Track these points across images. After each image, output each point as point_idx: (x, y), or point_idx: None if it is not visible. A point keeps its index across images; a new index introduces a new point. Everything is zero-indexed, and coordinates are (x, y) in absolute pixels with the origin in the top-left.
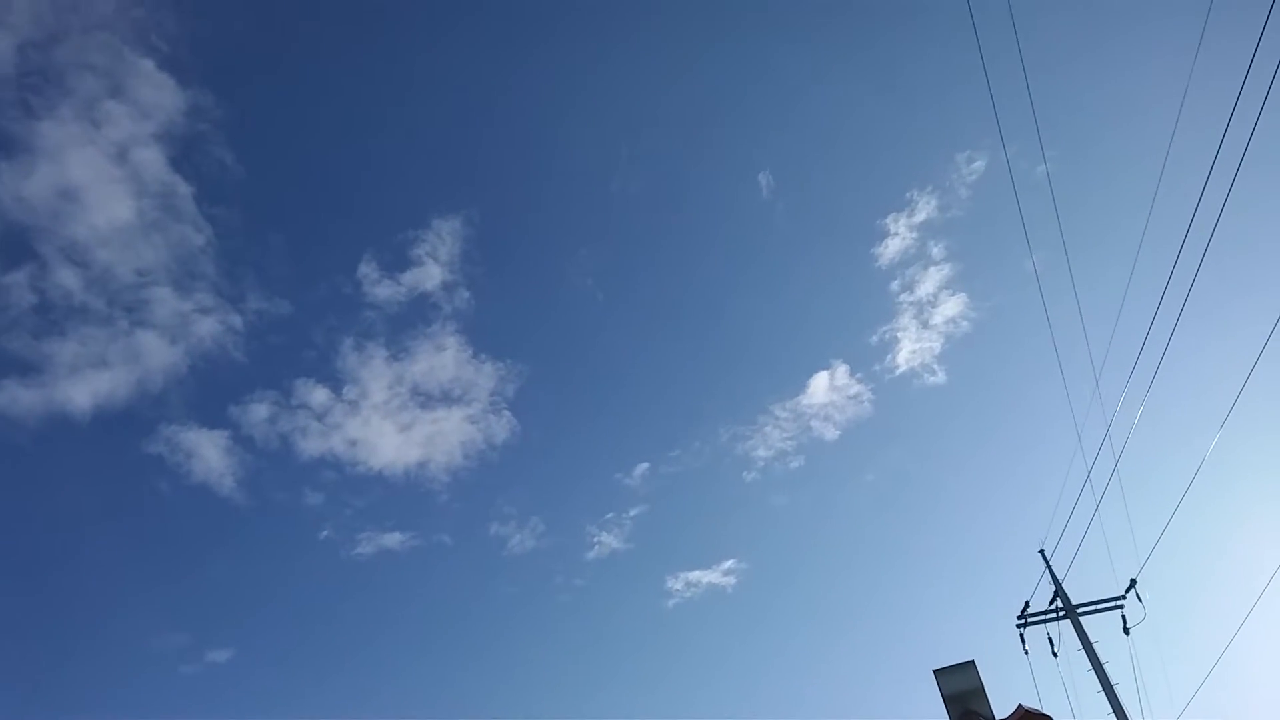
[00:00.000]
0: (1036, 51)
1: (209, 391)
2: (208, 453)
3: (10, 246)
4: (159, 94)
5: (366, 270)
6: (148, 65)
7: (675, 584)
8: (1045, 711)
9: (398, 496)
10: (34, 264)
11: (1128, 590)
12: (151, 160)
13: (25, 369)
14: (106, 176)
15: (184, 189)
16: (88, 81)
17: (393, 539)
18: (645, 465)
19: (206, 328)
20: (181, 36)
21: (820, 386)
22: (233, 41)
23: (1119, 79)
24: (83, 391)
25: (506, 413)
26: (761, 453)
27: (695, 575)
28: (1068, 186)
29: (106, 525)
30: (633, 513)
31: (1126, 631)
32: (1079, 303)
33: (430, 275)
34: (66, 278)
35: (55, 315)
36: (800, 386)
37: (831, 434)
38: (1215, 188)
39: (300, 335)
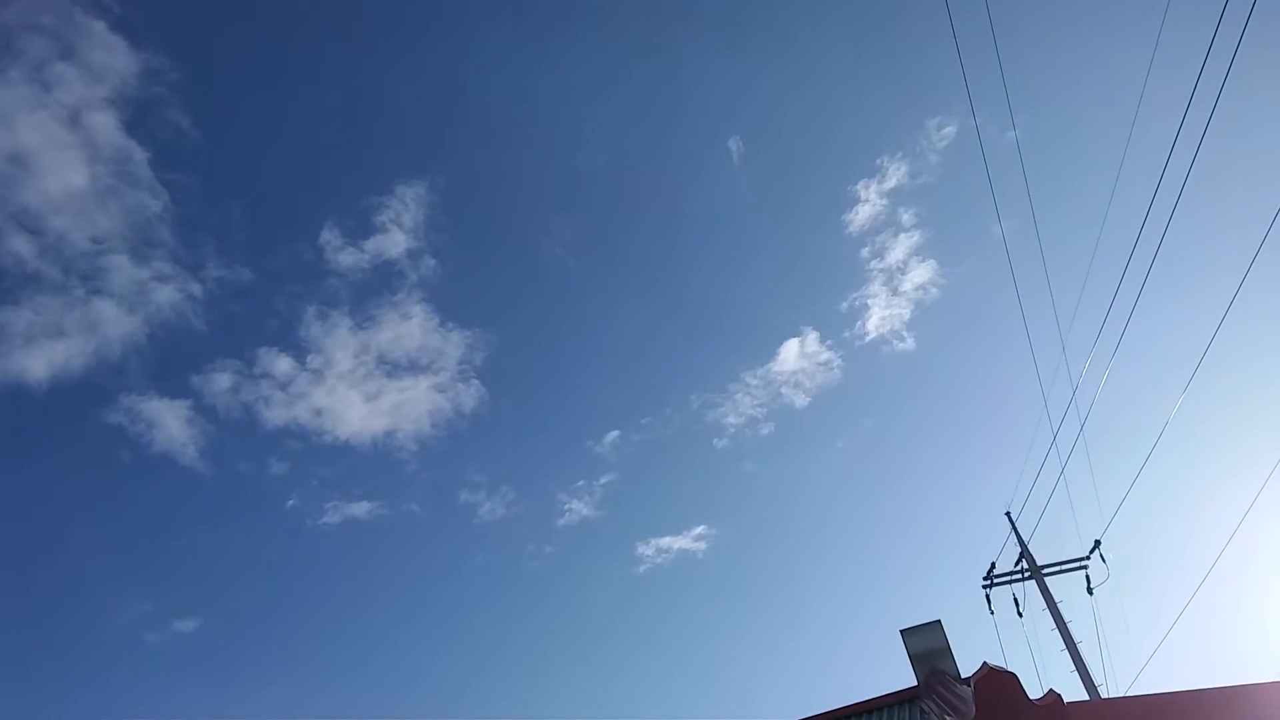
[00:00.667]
0: (1006, 17)
1: (169, 361)
2: (169, 422)
3: None
4: (111, 56)
5: (329, 237)
6: (99, 27)
7: (646, 550)
8: (1011, 669)
9: (365, 466)
10: None
11: (1092, 551)
12: (105, 125)
13: None
14: (58, 142)
15: (139, 154)
16: (37, 44)
17: (360, 508)
18: (616, 433)
19: (165, 296)
20: None
21: (791, 353)
22: (188, 3)
23: (1087, 45)
24: (39, 361)
25: (475, 381)
26: (732, 420)
27: (666, 541)
28: (1037, 152)
29: (67, 497)
30: (603, 480)
31: (1090, 591)
32: (1046, 269)
33: (395, 242)
34: (19, 245)
35: (8, 283)
36: (771, 354)
37: (802, 401)
38: (1181, 153)
39: (262, 303)
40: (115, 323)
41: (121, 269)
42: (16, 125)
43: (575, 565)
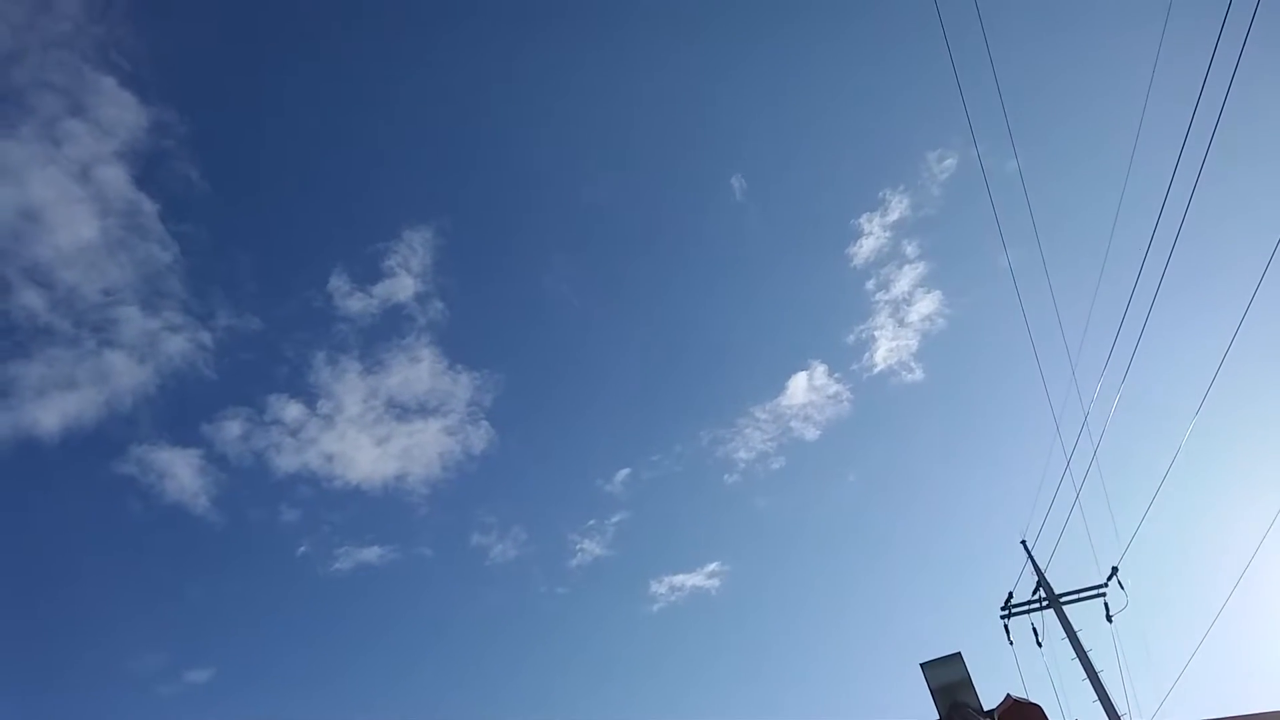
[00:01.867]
0: (1003, 48)
1: (180, 410)
2: (180, 472)
3: None
4: (121, 111)
5: (337, 283)
6: (109, 83)
7: (659, 588)
8: (1033, 701)
9: (376, 510)
10: None
11: (1109, 578)
12: (115, 178)
13: None
14: (69, 196)
15: (149, 206)
16: (48, 100)
17: (372, 553)
18: (626, 471)
19: (176, 346)
20: (142, 53)
21: (799, 387)
22: (195, 57)
23: (1085, 71)
24: (51, 413)
25: (484, 423)
26: (742, 455)
27: (679, 579)
28: (1039, 180)
29: (79, 548)
30: (615, 519)
31: (1109, 619)
32: (1054, 296)
33: (403, 286)
34: (30, 299)
35: (20, 337)
36: (779, 388)
37: (812, 434)
38: (1184, 175)
39: (271, 351)
40: (126, 373)
41: (132, 320)
42: (28, 181)
43: (589, 605)
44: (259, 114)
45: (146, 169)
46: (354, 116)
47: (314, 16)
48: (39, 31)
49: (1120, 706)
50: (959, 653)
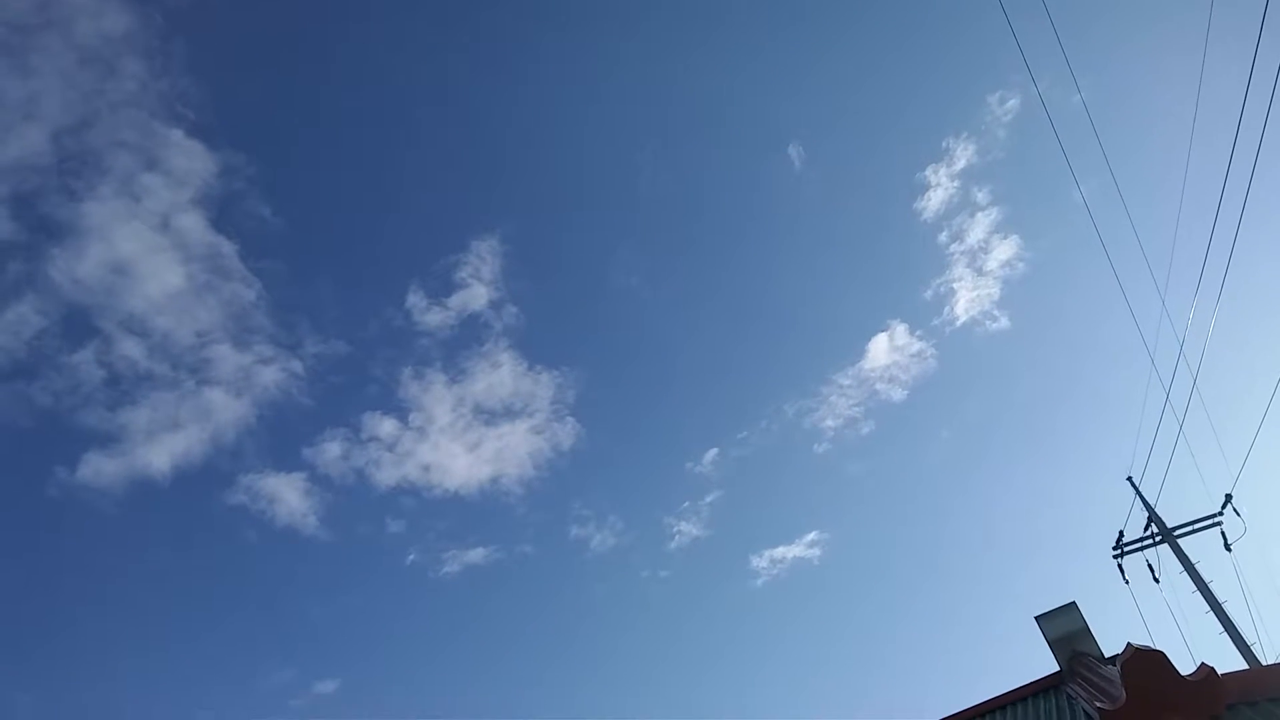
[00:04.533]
0: None
1: (281, 437)
2: (288, 496)
3: (74, 327)
4: (191, 160)
5: (414, 300)
6: (177, 134)
7: (760, 562)
8: (1157, 648)
9: (476, 513)
10: (98, 340)
11: (1224, 506)
12: (193, 225)
13: (105, 440)
14: (153, 246)
15: (228, 248)
16: (122, 158)
17: (476, 555)
18: (714, 451)
19: (269, 377)
20: (205, 101)
21: (880, 349)
22: (254, 99)
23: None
24: (161, 454)
25: (569, 419)
26: (830, 423)
27: (779, 551)
28: (1104, 111)
29: (202, 579)
30: (709, 499)
31: (1228, 547)
32: (1134, 225)
33: (476, 295)
34: (130, 348)
35: (125, 385)
36: (860, 352)
37: (899, 395)
38: (1260, 86)
39: (360, 371)
40: (226, 408)
41: (226, 357)
42: (114, 237)
43: (693, 586)
44: (319, 146)
45: (222, 212)
46: (409, 137)
47: (358, 50)
48: (107, 94)
49: (1249, 637)
50: (1074, 602)
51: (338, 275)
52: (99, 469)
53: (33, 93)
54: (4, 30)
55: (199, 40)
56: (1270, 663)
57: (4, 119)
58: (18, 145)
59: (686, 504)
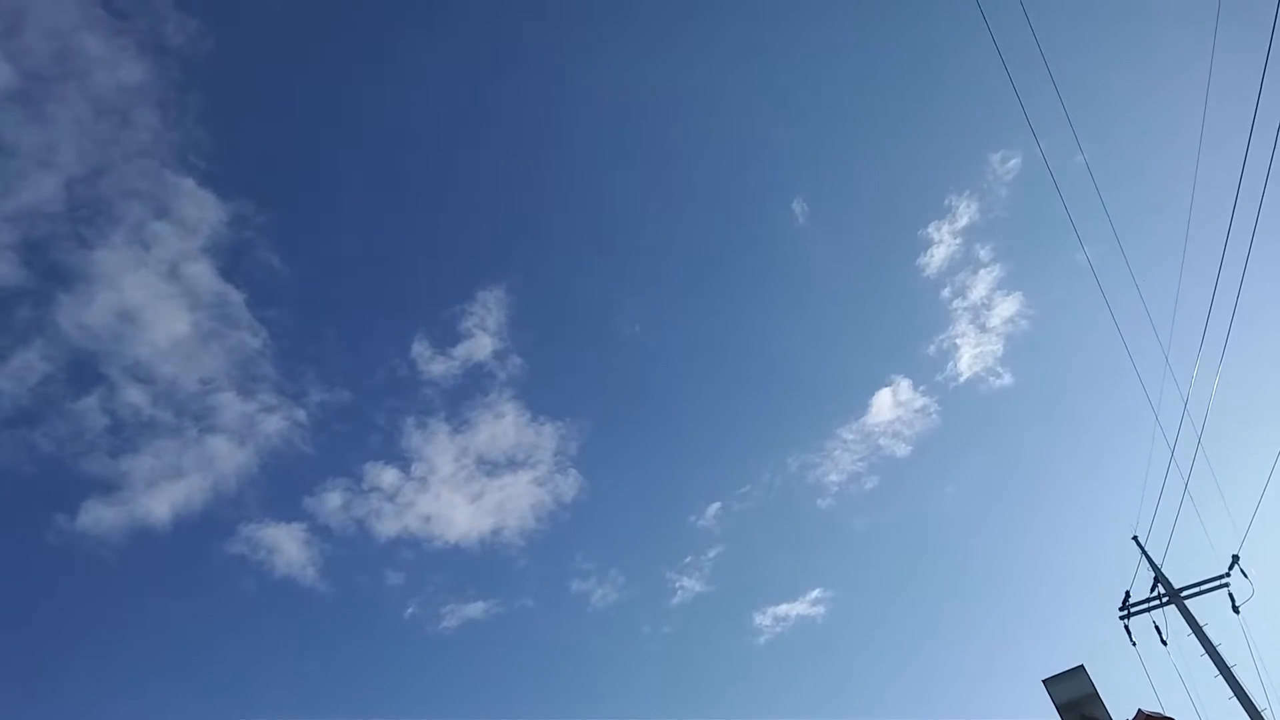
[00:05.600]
0: (1053, 41)
1: (282, 486)
2: (287, 546)
3: (79, 373)
4: (202, 209)
5: (419, 349)
6: (188, 184)
7: (764, 620)
8: (1167, 714)
9: (476, 566)
10: (102, 386)
11: (1231, 566)
12: (202, 273)
13: (106, 488)
14: (161, 294)
15: (236, 296)
16: (134, 207)
17: (476, 609)
18: (717, 505)
19: (273, 425)
20: (217, 152)
21: (884, 404)
22: (265, 150)
23: (1141, 56)
24: (161, 503)
25: (572, 470)
26: (834, 478)
27: (783, 609)
28: (1106, 171)
29: (198, 628)
30: (711, 554)
31: (1236, 610)
32: (1138, 285)
33: (481, 346)
34: (134, 395)
35: (128, 432)
36: (863, 407)
37: (903, 450)
38: (1259, 150)
39: (364, 421)
40: (228, 456)
41: (230, 405)
42: (122, 285)
43: (695, 643)
44: (330, 197)
45: (231, 260)
46: (418, 188)
47: (370, 96)
48: (121, 143)
49: (1259, 701)
50: (1082, 666)
51: (344, 324)
52: (99, 517)
53: (49, 141)
54: (23, 80)
55: (212, 91)
56: None
57: (20, 166)
58: (32, 192)
59: (689, 559)
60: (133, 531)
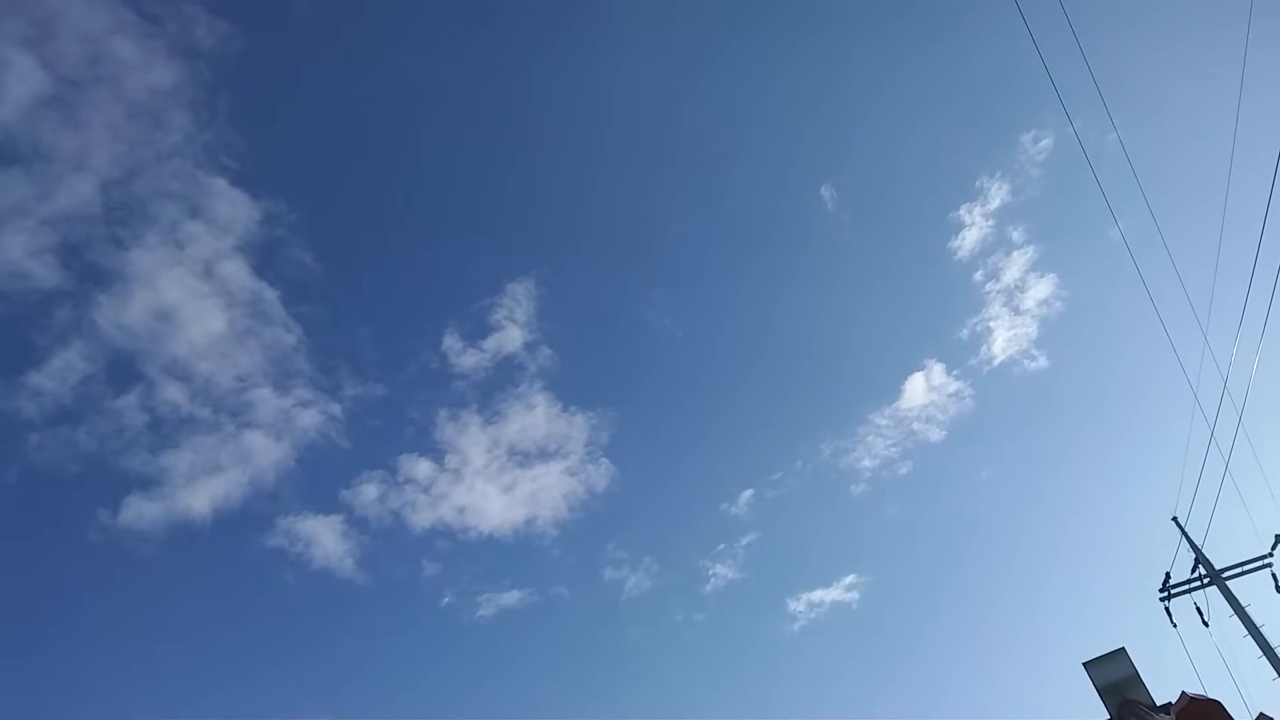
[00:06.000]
0: (1085, 19)
1: (319, 480)
2: (325, 539)
3: (118, 372)
4: (234, 208)
5: (451, 343)
6: (221, 184)
7: (797, 606)
8: (1213, 697)
9: (510, 556)
10: (141, 385)
11: (1275, 546)
12: (236, 272)
13: (146, 484)
14: (196, 293)
15: (270, 294)
16: (168, 208)
17: (511, 597)
18: (750, 492)
19: (309, 420)
20: (248, 151)
21: (917, 389)
22: (295, 148)
23: (1174, 31)
24: (201, 498)
25: (604, 460)
26: (866, 463)
27: (817, 595)
28: (1140, 149)
29: (239, 621)
30: (744, 541)
31: (1279, 589)
32: (1174, 261)
33: (511, 338)
34: (173, 393)
35: (167, 429)
36: (896, 392)
37: (936, 435)
38: None
39: (397, 414)
40: (265, 451)
41: (266, 401)
42: (158, 284)
43: (729, 630)
44: (360, 193)
45: (264, 259)
46: (448, 183)
47: (400, 94)
48: (154, 145)
49: None
50: (1123, 648)
51: (376, 319)
52: (140, 512)
53: (83, 145)
54: (57, 85)
55: (243, 93)
56: None
57: (55, 170)
58: (67, 196)
59: (722, 546)
60: (173, 526)
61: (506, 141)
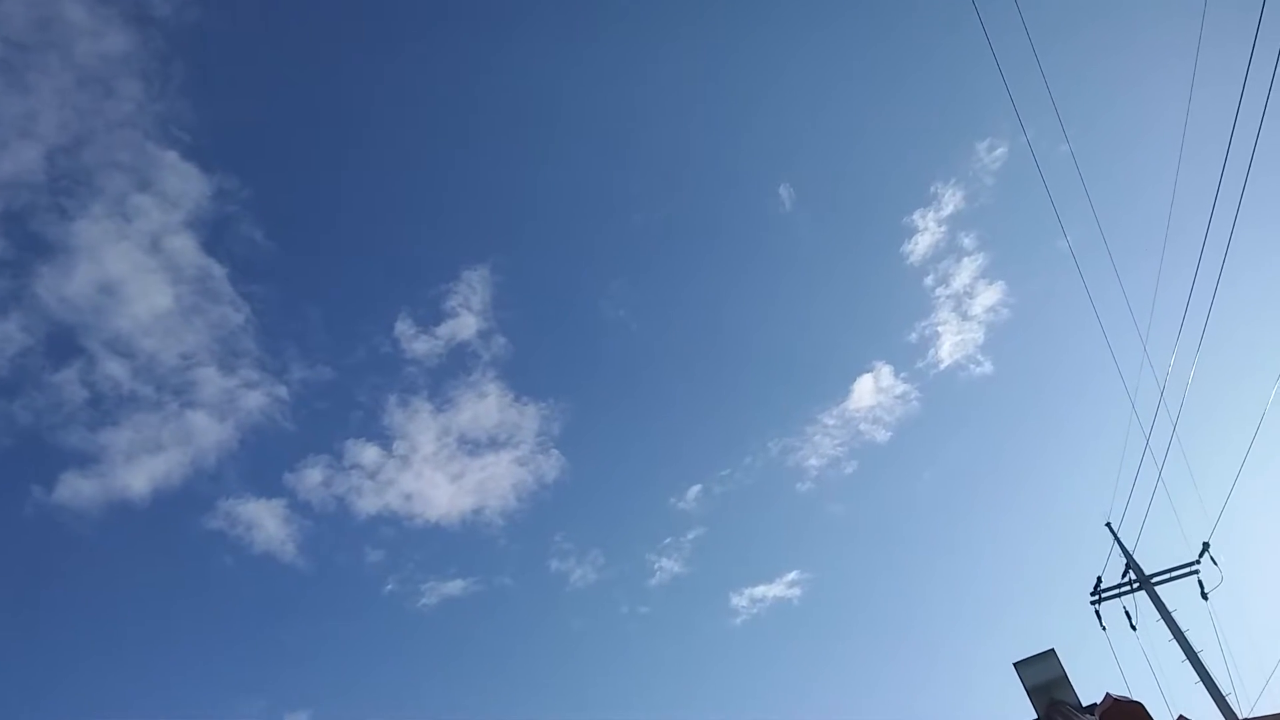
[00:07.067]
0: (1041, 31)
1: (262, 462)
2: (267, 522)
3: (58, 345)
4: (185, 182)
5: (403, 328)
6: (171, 156)
7: (740, 601)
8: (1134, 698)
9: (456, 544)
10: (82, 359)
11: (1201, 554)
12: (184, 247)
13: (84, 460)
14: (142, 267)
15: (218, 271)
16: (116, 179)
17: (455, 586)
18: (698, 487)
19: (254, 401)
20: (201, 125)
21: (865, 390)
22: (250, 123)
23: (1128, 46)
24: (140, 477)
25: (554, 451)
26: (814, 462)
27: (760, 590)
28: (1091, 161)
29: (175, 604)
30: (690, 535)
31: (1205, 596)
32: (1118, 274)
33: (465, 325)
34: (114, 369)
35: (107, 406)
36: (845, 392)
37: (882, 436)
38: (1241, 140)
39: (345, 398)
40: (209, 432)
41: (211, 380)
42: (103, 257)
43: (672, 623)
44: (315, 172)
45: (213, 235)
46: (403, 165)
47: (353, 77)
48: (104, 114)
49: (1224, 686)
50: (1053, 649)
51: (327, 301)
52: (77, 489)
53: (29, 110)
54: (4, 48)
55: (197, 63)
56: (1246, 717)
57: None
58: (12, 162)
59: (668, 540)
60: (110, 505)
61: (466, 127)
